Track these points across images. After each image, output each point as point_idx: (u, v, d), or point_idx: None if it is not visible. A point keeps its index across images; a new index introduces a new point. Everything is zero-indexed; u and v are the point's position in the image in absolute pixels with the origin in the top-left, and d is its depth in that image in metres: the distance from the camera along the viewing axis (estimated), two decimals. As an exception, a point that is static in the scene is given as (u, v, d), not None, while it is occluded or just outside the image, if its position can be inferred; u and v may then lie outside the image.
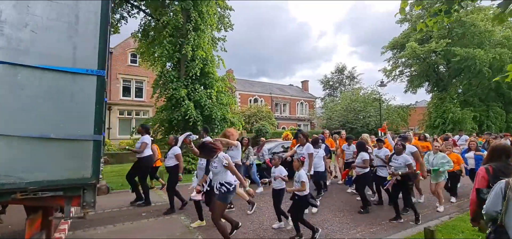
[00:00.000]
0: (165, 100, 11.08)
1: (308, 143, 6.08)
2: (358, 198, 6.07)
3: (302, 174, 4.17)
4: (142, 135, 6.02)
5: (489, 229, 2.08)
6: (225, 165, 3.61)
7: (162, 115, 10.74)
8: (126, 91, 22.40)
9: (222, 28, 13.41)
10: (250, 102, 31.95)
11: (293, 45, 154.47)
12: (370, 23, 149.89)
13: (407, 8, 3.27)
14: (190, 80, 10.66)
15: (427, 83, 28.98)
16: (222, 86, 11.67)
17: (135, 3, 12.55)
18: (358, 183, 5.91)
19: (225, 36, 13.34)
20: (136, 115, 22.11)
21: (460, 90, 26.81)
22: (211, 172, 3.93)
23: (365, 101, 26.05)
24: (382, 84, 20.27)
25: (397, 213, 5.07)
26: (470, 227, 4.60)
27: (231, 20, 13.47)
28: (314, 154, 6.08)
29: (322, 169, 6.45)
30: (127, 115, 21.85)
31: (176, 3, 10.88)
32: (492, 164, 2.44)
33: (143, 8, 12.63)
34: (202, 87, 11.14)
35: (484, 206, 2.07)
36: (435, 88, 27.73)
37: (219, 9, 12.71)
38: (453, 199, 6.55)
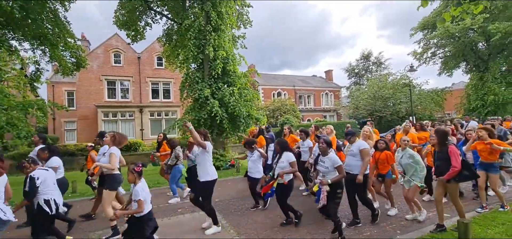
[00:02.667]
0: (192, 100, 11.52)
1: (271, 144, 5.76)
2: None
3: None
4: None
5: None
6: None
7: (189, 116, 11.18)
8: (155, 93, 23.58)
9: (241, 25, 13.55)
10: (273, 96, 31.90)
11: (314, 33, 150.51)
12: (397, 3, 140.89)
13: None
14: (213, 79, 10.97)
15: (464, 63, 26.75)
16: (244, 82, 11.83)
17: (158, 10, 13.12)
18: (279, 195, 4.45)
19: (245, 33, 13.47)
20: (165, 115, 23.19)
21: (503, 68, 24.42)
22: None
23: (394, 88, 24.80)
24: (412, 69, 19.12)
25: (339, 231, 3.94)
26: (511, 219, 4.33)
27: (249, 16, 13.57)
28: (249, 157, 5.47)
29: (257, 175, 5.36)
30: (157, 116, 23.00)
31: (196, 5, 11.18)
32: None
33: (166, 13, 13.16)
34: (225, 86, 11.40)
35: None
36: (474, 68, 25.50)
37: (237, 7, 12.84)
38: (425, 198, 5.63)
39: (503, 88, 22.49)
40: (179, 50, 12.87)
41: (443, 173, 3.92)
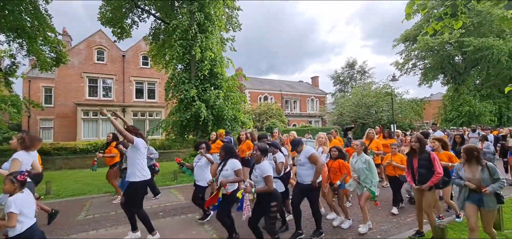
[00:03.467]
0: (177, 101, 11.34)
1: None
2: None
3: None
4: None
5: None
6: None
7: (174, 117, 11.00)
8: (139, 92, 22.99)
9: (231, 28, 13.55)
10: (260, 100, 32.02)
11: (302, 39, 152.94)
12: (382, 15, 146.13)
13: (415, 7, 3.16)
14: (199, 80, 10.86)
15: (442, 75, 28.16)
16: (231, 85, 11.81)
17: (146, 8, 12.87)
18: (220, 207, 3.97)
19: (234, 36, 13.49)
20: (149, 116, 22.66)
21: (477, 82, 25.90)
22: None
23: (377, 96, 25.60)
24: (394, 79, 19.86)
25: None
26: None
27: (239, 20, 13.60)
28: (196, 162, 5.03)
29: (202, 183, 4.87)
30: (141, 116, 22.43)
31: (185, 6, 11.07)
32: None
33: (153, 12, 12.94)
34: (212, 88, 11.33)
35: None
36: (451, 80, 26.89)
37: (227, 10, 12.84)
38: (394, 210, 5.28)
39: (477, 100, 23.83)
40: (166, 50, 12.68)
41: (426, 181, 3.83)
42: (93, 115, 20.67)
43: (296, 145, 4.33)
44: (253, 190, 3.42)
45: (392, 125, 19.37)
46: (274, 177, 3.86)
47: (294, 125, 31.42)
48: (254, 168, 3.64)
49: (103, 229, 4.78)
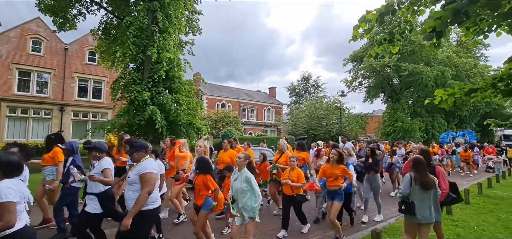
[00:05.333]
0: (127, 103, 10.55)
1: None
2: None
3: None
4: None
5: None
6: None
7: (122, 119, 10.17)
8: (83, 91, 20.77)
9: (190, 31, 13.25)
10: (217, 107, 31.70)
11: (262, 51, 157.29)
12: (334, 35, 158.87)
13: (361, 30, 3.59)
14: (153, 83, 10.29)
15: (382, 94, 31.63)
16: (188, 89, 11.47)
17: (96, 0, 11.83)
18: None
19: (193, 40, 13.19)
20: (93, 117, 20.60)
21: (410, 102, 29.71)
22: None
23: (328, 109, 27.49)
24: (342, 94, 21.68)
25: None
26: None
27: (199, 24, 13.38)
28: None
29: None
30: (83, 117, 20.26)
31: (142, 3, 10.49)
32: None
33: (105, 5, 11.95)
34: (166, 91, 10.84)
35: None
36: (390, 99, 30.37)
37: (187, 13, 12.53)
38: (304, 229, 4.96)
39: (409, 118, 27.27)
40: (117, 47, 11.74)
41: None
42: (22, 113, 17.99)
43: (133, 149, 3.15)
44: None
45: (340, 136, 20.95)
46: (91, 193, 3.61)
47: (250, 133, 31.79)
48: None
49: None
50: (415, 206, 3.29)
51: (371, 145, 6.50)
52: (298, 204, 4.82)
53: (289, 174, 4.82)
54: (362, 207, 6.10)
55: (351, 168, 5.12)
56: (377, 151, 7.62)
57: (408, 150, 10.67)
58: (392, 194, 8.23)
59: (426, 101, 3.08)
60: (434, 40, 2.68)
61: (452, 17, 1.99)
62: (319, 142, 8.99)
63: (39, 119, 18.64)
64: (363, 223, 5.56)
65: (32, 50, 18.98)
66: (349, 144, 9.82)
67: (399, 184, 8.18)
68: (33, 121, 18.35)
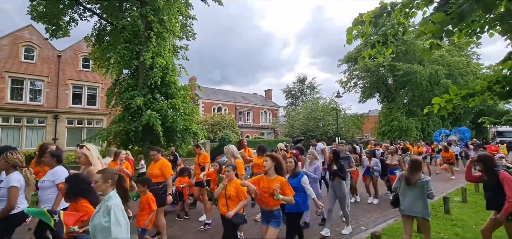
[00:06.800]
0: (122, 109, 10.45)
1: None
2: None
3: None
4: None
5: None
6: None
7: (117, 126, 10.07)
8: (77, 98, 20.55)
9: (184, 37, 13.22)
10: (213, 110, 31.61)
11: (257, 53, 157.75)
12: (328, 37, 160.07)
13: (355, 33, 3.55)
14: (148, 89, 10.21)
15: (378, 94, 31.83)
16: (184, 95, 11.40)
17: (88, 6, 11.74)
18: None
19: (188, 44, 13.17)
20: (88, 124, 20.38)
21: (405, 101, 29.92)
22: None
23: (324, 110, 27.56)
24: (338, 95, 21.74)
25: None
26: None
27: (193, 29, 13.37)
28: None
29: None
30: (77, 124, 20.03)
31: (135, 9, 10.44)
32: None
33: (98, 11, 11.87)
34: (162, 97, 10.76)
35: None
36: (385, 99, 30.56)
37: (181, 18, 12.50)
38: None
39: (404, 117, 27.46)
40: (111, 53, 11.64)
41: (497, 206, 3.36)
42: (15, 122, 17.73)
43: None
44: None
45: (337, 137, 21.00)
46: None
47: (247, 136, 31.72)
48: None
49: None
50: (398, 198, 3.86)
51: (334, 149, 5.82)
52: (232, 227, 3.54)
53: (226, 186, 3.61)
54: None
55: (305, 179, 4.01)
56: (354, 155, 7.16)
57: (382, 151, 9.43)
58: (370, 200, 7.29)
59: (425, 110, 3.07)
60: (430, 41, 2.70)
61: (452, 21, 1.98)
62: (281, 144, 7.90)
63: (33, 127, 18.38)
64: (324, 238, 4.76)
65: (25, 58, 18.75)
66: (320, 146, 8.63)
67: (376, 192, 7.57)
68: (26, 130, 18.09)
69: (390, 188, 7.29)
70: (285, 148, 7.67)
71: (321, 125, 27.10)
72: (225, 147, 5.63)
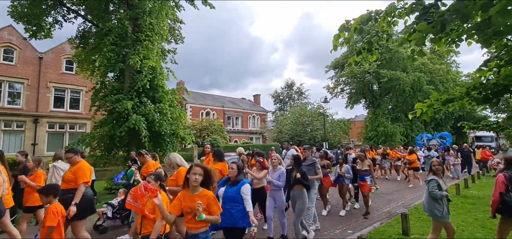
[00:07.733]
0: (106, 113, 10.17)
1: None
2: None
3: None
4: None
5: None
6: None
7: (101, 130, 9.77)
8: (59, 101, 19.86)
9: (173, 40, 13.11)
10: (202, 115, 31.33)
11: (246, 59, 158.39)
12: (315, 43, 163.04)
13: (341, 40, 3.64)
14: (135, 92, 10.00)
15: (363, 99, 32.59)
16: (171, 99, 11.25)
17: (73, 7, 11.44)
18: None
19: (176, 48, 13.08)
20: (70, 128, 19.70)
21: (390, 107, 30.79)
22: None
23: (312, 116, 27.89)
24: (325, 101, 22.13)
25: None
26: (396, 232, 5.24)
27: (181, 32, 13.29)
28: None
29: None
30: (59, 128, 19.32)
31: (122, 11, 10.26)
32: (508, 172, 3.48)
33: (82, 13, 11.58)
34: (149, 101, 10.56)
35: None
36: (371, 105, 31.34)
37: (169, 22, 12.40)
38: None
39: (389, 122, 28.24)
40: (96, 56, 11.35)
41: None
42: (-8, 126, 16.90)
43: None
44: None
45: (324, 142, 21.27)
46: None
47: (235, 141, 31.59)
48: None
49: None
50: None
51: (296, 154, 5.17)
52: None
53: (147, 204, 3.11)
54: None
55: (245, 189, 3.40)
56: (325, 161, 6.49)
57: (354, 156, 8.35)
58: (342, 213, 6.54)
59: (410, 116, 3.23)
60: (411, 48, 2.82)
61: (433, 30, 2.09)
62: (241, 148, 7.45)
63: (10, 131, 17.58)
64: None
65: (4, 59, 18.00)
66: (292, 151, 8.18)
67: (351, 198, 7.30)
68: (3, 134, 17.27)
69: (357, 196, 7.10)
70: (245, 153, 7.17)
71: (309, 130, 27.38)
72: (165, 158, 4.44)
